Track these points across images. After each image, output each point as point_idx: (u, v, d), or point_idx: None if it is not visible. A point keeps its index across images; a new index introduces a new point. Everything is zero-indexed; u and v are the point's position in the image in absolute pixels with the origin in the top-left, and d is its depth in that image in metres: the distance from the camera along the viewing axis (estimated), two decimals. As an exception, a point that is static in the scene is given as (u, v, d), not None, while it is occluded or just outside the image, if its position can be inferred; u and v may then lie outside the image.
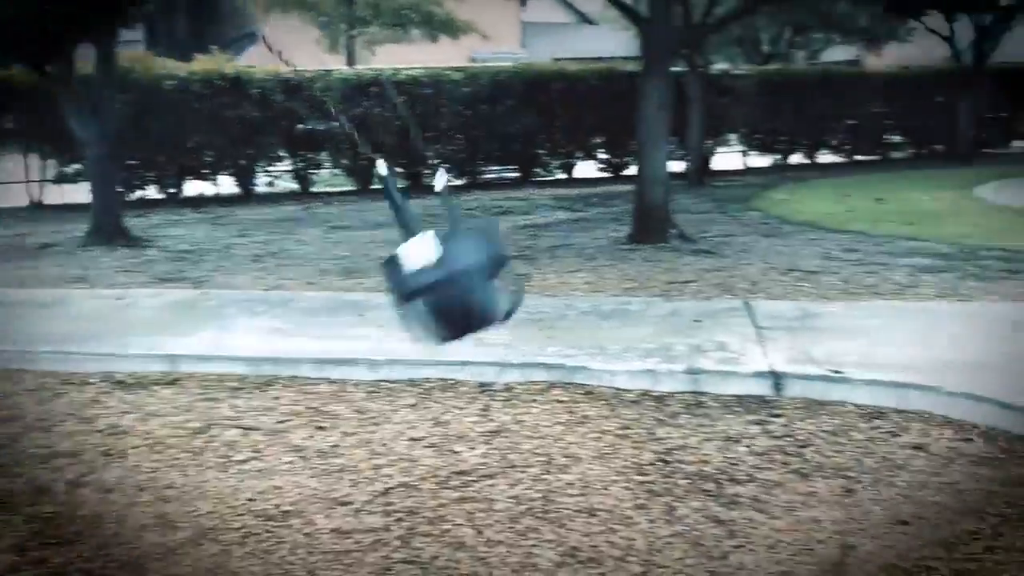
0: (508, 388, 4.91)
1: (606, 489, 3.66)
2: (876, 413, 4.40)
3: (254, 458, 4.09)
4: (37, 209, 14.11)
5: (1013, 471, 3.71)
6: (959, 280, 7.14)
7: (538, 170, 17.46)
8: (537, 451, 4.07)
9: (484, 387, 4.91)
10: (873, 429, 4.22)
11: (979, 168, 17.12)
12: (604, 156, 17.71)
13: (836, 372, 4.72)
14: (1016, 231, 9.63)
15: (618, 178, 17.06)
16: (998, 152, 20.66)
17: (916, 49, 21.64)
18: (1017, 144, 21.86)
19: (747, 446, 4.06)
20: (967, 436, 4.10)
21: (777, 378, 4.74)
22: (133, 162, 14.35)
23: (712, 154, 18.04)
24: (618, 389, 4.85)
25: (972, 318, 5.80)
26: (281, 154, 15.79)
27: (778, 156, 19.10)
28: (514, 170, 17.43)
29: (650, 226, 9.52)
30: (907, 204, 12.26)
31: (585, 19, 37.22)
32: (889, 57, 23.37)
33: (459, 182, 17.03)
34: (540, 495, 3.62)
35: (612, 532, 3.29)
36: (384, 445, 4.19)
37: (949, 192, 13.51)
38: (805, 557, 3.10)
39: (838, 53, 25.33)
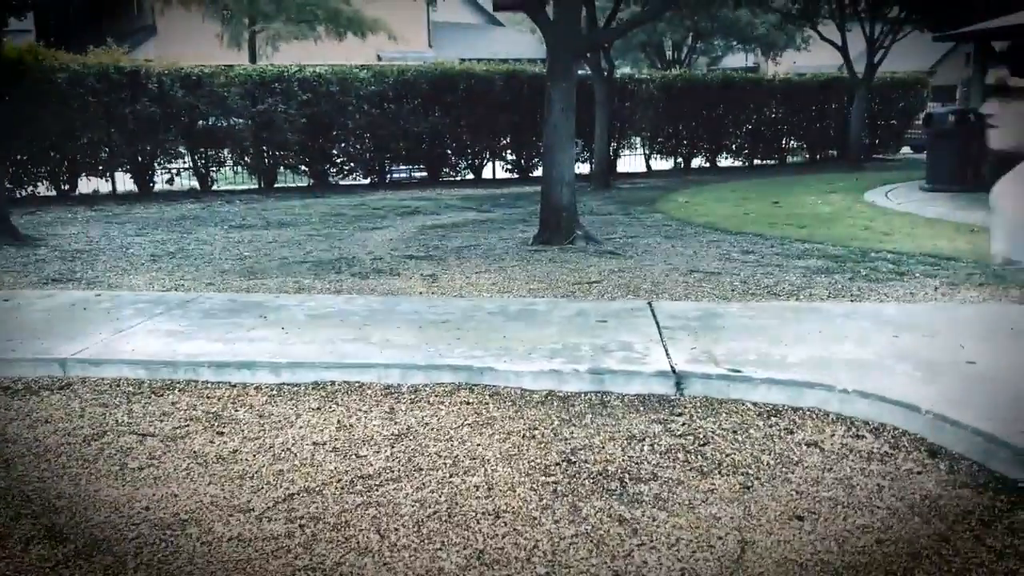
0: (414, 390, 4.88)
1: (512, 490, 3.67)
2: (773, 411, 4.53)
3: (150, 465, 3.96)
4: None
5: (901, 465, 3.87)
6: (850, 281, 7.42)
7: (446, 170, 17.44)
8: (443, 453, 4.05)
9: (389, 389, 4.87)
10: (770, 427, 4.34)
11: (870, 173, 17.85)
12: (511, 157, 17.81)
13: (735, 371, 4.85)
14: (904, 234, 10.07)
15: (525, 179, 17.19)
16: (888, 158, 21.59)
17: (811, 57, 22.43)
18: (906, 151, 22.90)
19: (650, 445, 4.13)
20: (859, 433, 4.26)
21: (679, 378, 4.84)
22: (23, 157, 13.77)
23: (617, 157, 18.34)
24: (524, 390, 4.87)
25: (863, 318, 6.03)
26: (181, 151, 15.38)
27: (680, 159, 19.53)
28: (422, 170, 17.37)
29: (556, 227, 9.61)
30: (802, 207, 12.69)
31: (493, 20, 37.36)
32: (786, 64, 24.19)
33: (366, 181, 16.90)
34: (446, 498, 3.60)
35: (518, 534, 3.30)
36: (287, 450, 4.12)
37: (841, 196, 14.05)
38: (705, 554, 3.17)
39: (738, 60, 26.07)
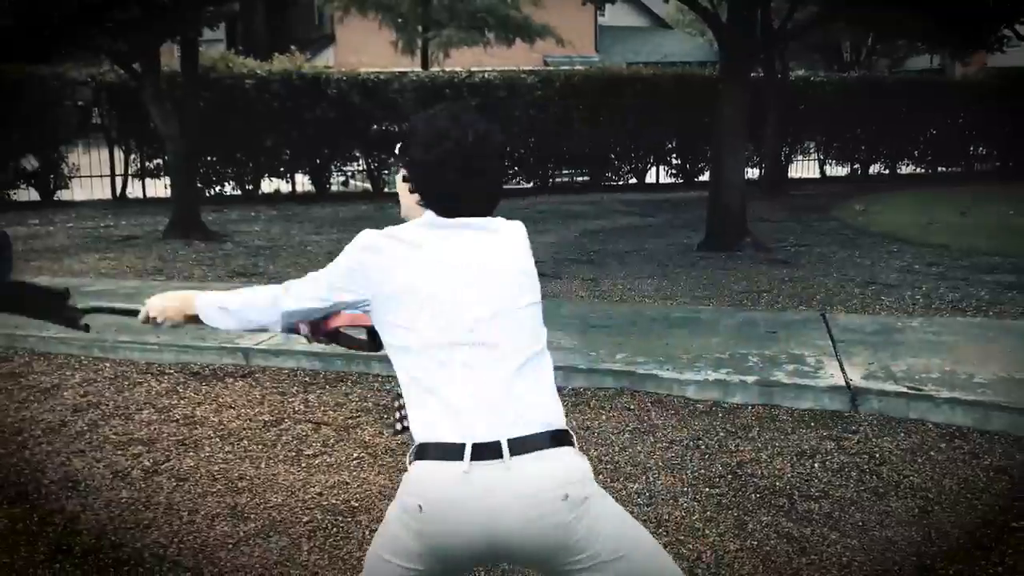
0: (575, 393, 4.88)
1: (674, 500, 3.60)
2: (956, 433, 4.26)
3: (324, 453, 4.14)
4: (120, 202, 14.55)
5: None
6: (1047, 298, 6.88)
7: (609, 175, 17.38)
8: (604, 458, 4.03)
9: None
10: (953, 449, 4.08)
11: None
12: (676, 162, 17.55)
13: (916, 389, 4.58)
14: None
15: (691, 184, 16.88)
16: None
17: (1005, 59, 20.97)
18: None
19: (821, 462, 3.96)
20: (1054, 461, 3.94)
21: (854, 393, 4.62)
22: (212, 159, 14.72)
23: (789, 162, 17.73)
24: (688, 399, 4.78)
25: (1061, 338, 5.58)
26: (356, 154, 16.02)
27: (857, 165, 18.67)
28: (585, 174, 17.38)
29: (724, 233, 9.38)
30: (992, 218, 11.87)
31: (661, 24, 36.98)
32: (978, 63, 22.66)
33: (528, 185, 17.07)
34: (607, 503, 3.58)
35: (680, 544, 3.24)
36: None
37: (1037, 206, 13.04)
38: (880, 579, 3.01)
39: (922, 62, 24.71)
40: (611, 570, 1.79)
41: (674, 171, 17.60)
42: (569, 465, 1.80)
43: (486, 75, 15.99)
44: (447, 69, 17.65)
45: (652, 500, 3.60)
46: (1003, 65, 20.40)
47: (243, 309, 2.06)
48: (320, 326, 2.12)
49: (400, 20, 20.61)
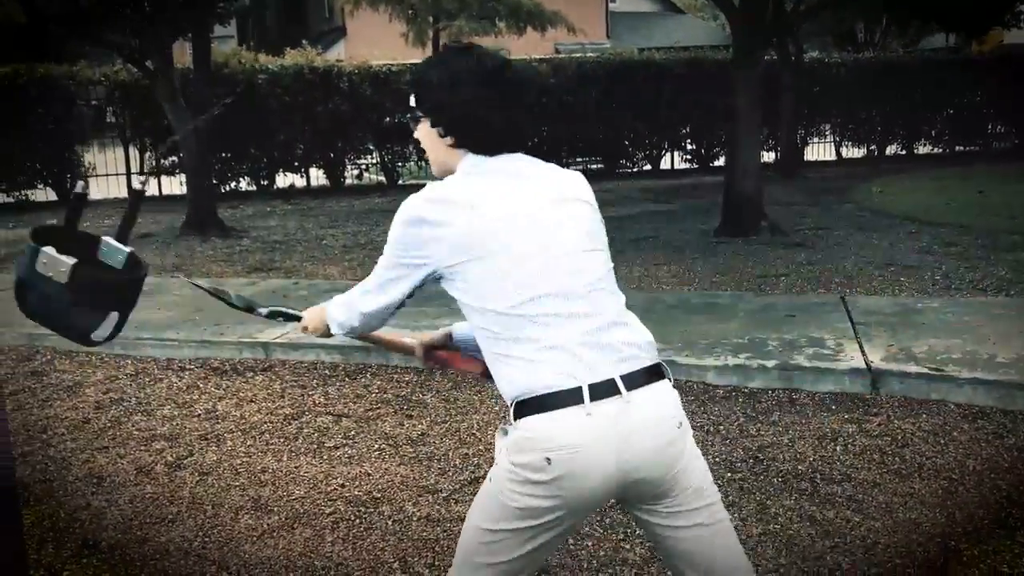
0: (595, 381, 4.87)
1: (696, 485, 3.59)
2: (979, 413, 4.23)
3: (345, 445, 4.16)
4: (137, 200, 14.61)
5: None
6: (1069, 276, 6.81)
7: (623, 161, 17.32)
8: (625, 445, 4.03)
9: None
10: (976, 430, 4.05)
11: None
12: (691, 147, 17.47)
13: (937, 370, 4.55)
14: None
15: (706, 169, 16.81)
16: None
17: (1021, 35, 20.73)
18: None
19: (843, 445, 3.94)
20: (1079, 440, 3.91)
21: (875, 376, 4.59)
22: (227, 155, 14.77)
23: (805, 145, 17.61)
24: (707, 384, 4.77)
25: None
26: (369, 147, 16.04)
27: (873, 147, 18.52)
28: (598, 162, 17.32)
29: (740, 218, 9.34)
30: (1012, 197, 11.75)
31: (673, 8, 36.79)
32: (993, 41, 22.39)
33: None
34: (629, 489, 3.58)
35: (703, 529, 3.24)
36: (472, 434, 4.21)
37: (1057, 184, 12.91)
38: (905, 560, 3.00)
39: (938, 40, 24.45)
40: (690, 520, 1.86)
41: (689, 156, 17.52)
42: (674, 395, 1.91)
43: (498, 64, 15.95)
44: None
45: (674, 486, 3.59)
46: (1020, 41, 20.13)
47: (347, 316, 2.09)
48: (433, 354, 2.27)
49: (411, 12, 20.57)
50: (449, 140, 1.90)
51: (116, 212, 13.03)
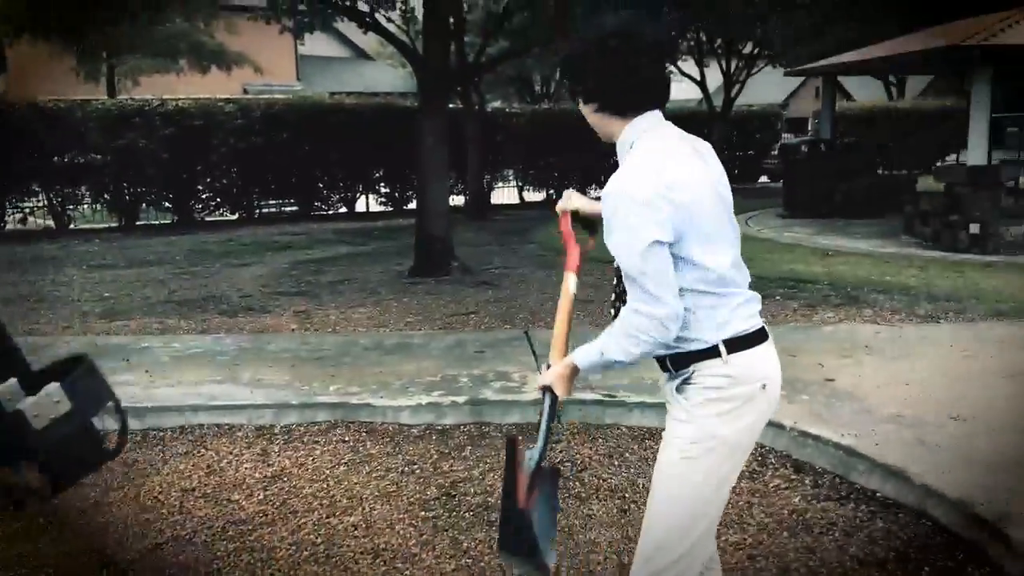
0: (288, 430, 4.75)
1: (391, 528, 3.61)
2: (647, 434, 4.62)
3: (13, 518, 3.71)
4: None
5: (770, 482, 4.01)
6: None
7: (318, 204, 17.20)
8: (319, 494, 3.96)
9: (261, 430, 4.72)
10: (644, 450, 4.42)
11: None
12: (385, 190, 17.74)
13: (610, 396, 4.93)
14: (763, 259, 10.51)
15: (400, 212, 17.13)
16: (746, 187, 22.50)
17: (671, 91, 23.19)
18: (763, 181, 23.97)
19: (529, 474, 4.13)
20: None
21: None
22: None
23: (491, 189, 18.51)
24: (402, 424, 4.82)
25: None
26: (35, 188, 14.66)
27: (552, 191, 19.86)
28: (292, 204, 17.09)
29: (432, 259, 9.60)
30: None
31: (362, 55, 37.25)
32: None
33: (233, 216, 16.49)
34: (323, 539, 3.51)
35: (398, 572, 3.25)
36: (154, 498, 3.93)
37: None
38: (586, 579, 3.19)
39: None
40: None
41: (384, 199, 17.77)
42: None
43: (180, 103, 15.27)
44: (136, 97, 16.66)
45: (369, 531, 3.58)
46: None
47: (665, 335, 2.12)
48: (568, 220, 2.51)
49: (78, 48, 19.15)
50: (608, 112, 2.19)
51: None
